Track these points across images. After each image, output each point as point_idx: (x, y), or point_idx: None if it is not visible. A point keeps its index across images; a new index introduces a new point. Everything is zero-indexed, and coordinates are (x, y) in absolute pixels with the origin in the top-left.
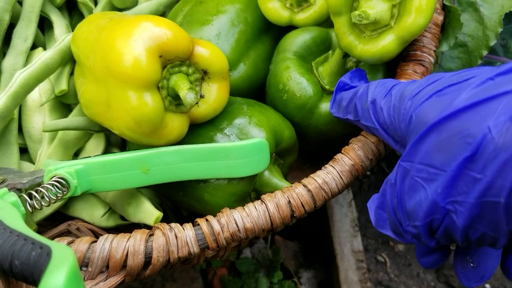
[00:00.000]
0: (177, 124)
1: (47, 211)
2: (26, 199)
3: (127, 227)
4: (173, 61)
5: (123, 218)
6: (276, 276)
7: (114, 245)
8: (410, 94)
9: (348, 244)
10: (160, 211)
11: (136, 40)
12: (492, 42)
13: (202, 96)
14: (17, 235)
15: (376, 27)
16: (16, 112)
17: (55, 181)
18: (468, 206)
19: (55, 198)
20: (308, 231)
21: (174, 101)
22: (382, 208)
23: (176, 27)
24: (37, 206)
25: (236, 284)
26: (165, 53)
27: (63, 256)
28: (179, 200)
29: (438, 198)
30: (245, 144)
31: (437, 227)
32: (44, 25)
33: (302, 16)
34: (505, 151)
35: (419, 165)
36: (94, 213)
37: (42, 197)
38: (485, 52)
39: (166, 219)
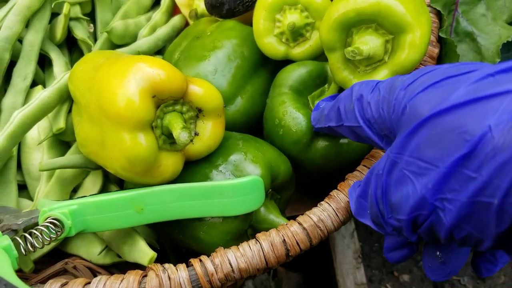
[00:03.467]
0: (171, 163)
1: (45, 249)
2: (19, 243)
3: (124, 264)
4: (167, 101)
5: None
6: None
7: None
8: (402, 84)
9: (351, 276)
10: (156, 250)
11: (129, 81)
12: None
13: (196, 134)
14: (4, 284)
15: (370, 62)
16: (15, 149)
17: (50, 222)
18: (458, 205)
19: (49, 240)
20: (312, 262)
21: (168, 139)
22: (364, 197)
23: (169, 67)
24: (31, 249)
25: None
26: (158, 93)
27: None
28: (175, 238)
29: (428, 193)
30: (239, 182)
31: (421, 223)
32: (45, 62)
33: (298, 50)
34: (505, 151)
35: (409, 158)
36: (91, 251)
37: (37, 239)
38: None
39: (164, 255)
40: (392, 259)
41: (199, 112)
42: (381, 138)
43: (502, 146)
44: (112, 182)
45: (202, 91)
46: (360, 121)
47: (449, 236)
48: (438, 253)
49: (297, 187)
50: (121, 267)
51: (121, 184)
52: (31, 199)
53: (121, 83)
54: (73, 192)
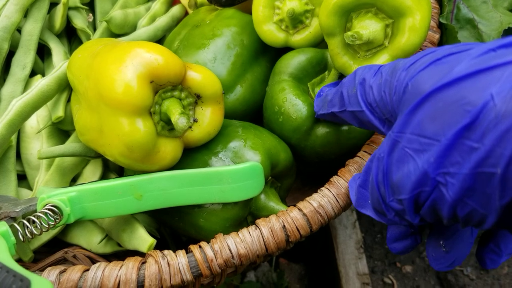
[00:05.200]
0: (170, 149)
1: (45, 238)
2: (17, 229)
3: (125, 253)
4: (165, 86)
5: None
6: None
7: (106, 274)
8: (404, 65)
9: (353, 266)
10: (155, 237)
11: (127, 67)
12: None
13: (195, 120)
14: (0, 267)
15: (370, 47)
16: (14, 139)
17: (48, 209)
18: (461, 178)
19: (47, 227)
20: (313, 253)
21: (167, 126)
22: (365, 186)
23: (167, 52)
24: (29, 236)
25: None
26: (156, 78)
27: None
28: (175, 226)
29: (429, 168)
30: (238, 168)
31: (424, 201)
32: (44, 52)
33: (298, 37)
34: (507, 118)
35: (411, 135)
36: (91, 240)
37: (35, 226)
38: None
39: (164, 244)
40: (395, 249)
41: (197, 99)
42: (382, 122)
43: (505, 113)
44: (112, 170)
45: (201, 77)
46: (362, 105)
47: (452, 214)
48: (441, 242)
49: (298, 176)
50: (121, 256)
51: (121, 173)
52: (30, 189)
53: (119, 69)
54: (73, 181)
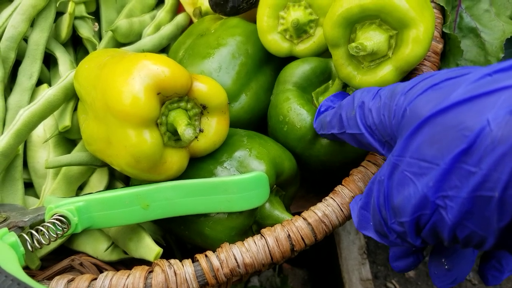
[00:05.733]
0: (176, 159)
1: (52, 246)
2: (26, 239)
3: (131, 261)
4: (172, 97)
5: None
6: None
7: (113, 283)
8: (403, 90)
9: (356, 272)
10: (162, 246)
11: (134, 79)
12: None
13: (201, 131)
14: (11, 279)
15: (374, 58)
16: (21, 148)
17: (56, 219)
18: (460, 201)
19: (55, 236)
20: (317, 258)
21: (173, 136)
22: (366, 208)
23: (174, 64)
24: (37, 246)
25: None
26: (163, 90)
27: None
28: (181, 234)
29: (429, 192)
30: (244, 178)
31: (424, 224)
32: (50, 61)
33: (302, 47)
34: (504, 143)
35: (411, 159)
36: (98, 247)
37: (43, 236)
38: None
39: (170, 252)
40: (398, 268)
41: (203, 109)
42: (382, 145)
43: (501, 138)
44: (118, 179)
45: (207, 87)
46: (362, 128)
47: (453, 236)
48: (443, 260)
49: (302, 184)
50: (127, 263)
51: (127, 182)
52: (37, 197)
53: (126, 81)
54: (79, 190)
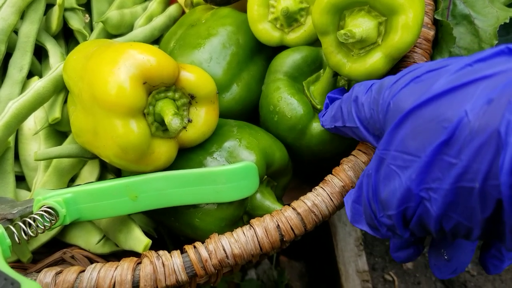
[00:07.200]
0: (164, 150)
1: (43, 238)
2: (13, 231)
3: (123, 253)
4: (159, 87)
5: None
6: None
7: (101, 275)
8: (388, 83)
9: (352, 264)
10: (153, 237)
11: (120, 68)
12: None
13: (190, 121)
14: None
15: (364, 45)
16: (12, 140)
17: (44, 210)
18: (443, 193)
19: (43, 228)
20: (314, 250)
21: (161, 127)
22: (358, 202)
23: (160, 53)
24: (24, 237)
25: None
26: (149, 79)
27: None
28: (172, 226)
29: (412, 185)
30: (232, 168)
31: (411, 216)
32: (41, 53)
33: (293, 36)
34: (481, 134)
35: (395, 153)
36: (90, 240)
37: (30, 228)
38: None
39: (163, 244)
40: (399, 258)
41: (191, 99)
42: (376, 138)
43: (478, 129)
44: (109, 171)
45: (194, 77)
46: (357, 122)
47: (439, 228)
48: (442, 251)
49: (295, 175)
50: (120, 256)
51: (119, 173)
52: (29, 190)
53: (112, 70)
54: (71, 182)
